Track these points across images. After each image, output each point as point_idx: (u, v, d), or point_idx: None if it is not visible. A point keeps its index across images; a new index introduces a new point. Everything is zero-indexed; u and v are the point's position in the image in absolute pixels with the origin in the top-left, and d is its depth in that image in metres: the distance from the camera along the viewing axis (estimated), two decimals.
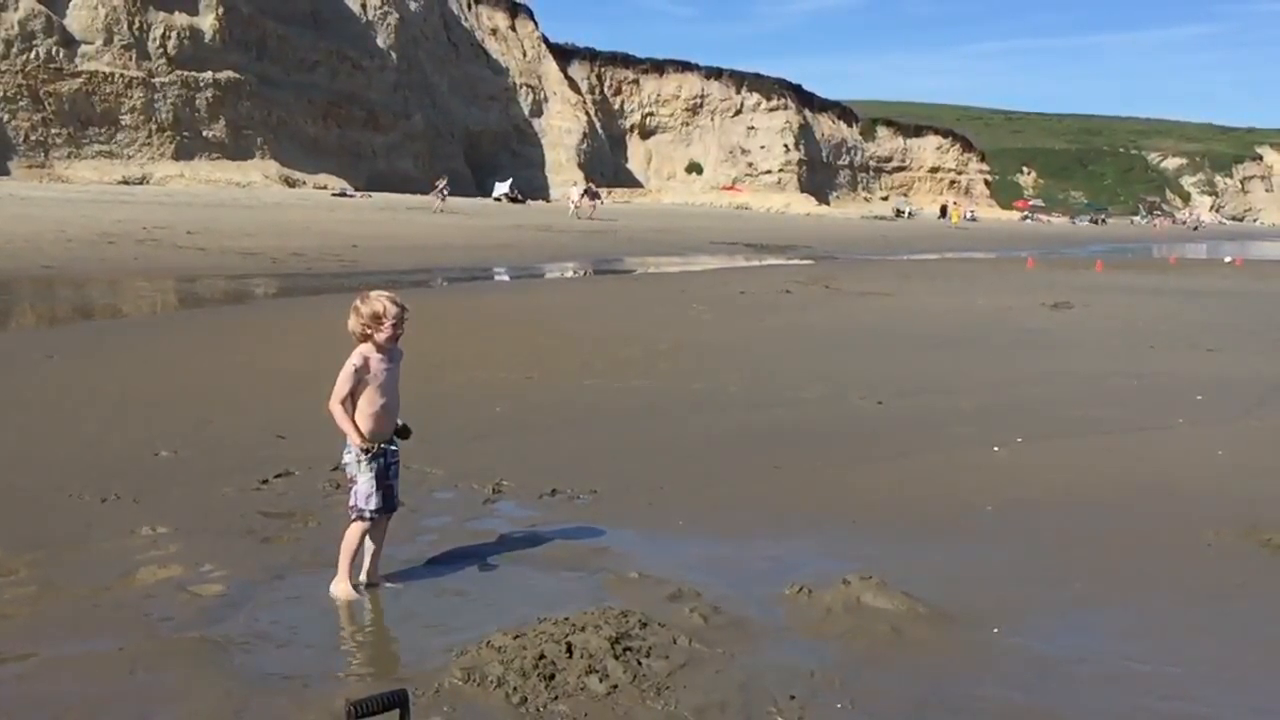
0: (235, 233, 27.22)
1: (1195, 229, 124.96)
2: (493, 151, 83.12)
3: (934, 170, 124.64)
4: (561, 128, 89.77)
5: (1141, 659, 4.07)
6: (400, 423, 4.65)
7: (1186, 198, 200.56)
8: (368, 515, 4.52)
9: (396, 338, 4.54)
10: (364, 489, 4.50)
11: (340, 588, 4.52)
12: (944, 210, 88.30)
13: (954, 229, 73.09)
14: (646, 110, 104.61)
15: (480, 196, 65.08)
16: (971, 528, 5.71)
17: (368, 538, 4.60)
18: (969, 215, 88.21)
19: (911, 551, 5.27)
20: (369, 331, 4.49)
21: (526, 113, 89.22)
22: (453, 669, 3.72)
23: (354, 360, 4.47)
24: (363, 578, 4.62)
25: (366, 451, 4.48)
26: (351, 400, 4.48)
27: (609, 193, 66.41)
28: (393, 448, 4.59)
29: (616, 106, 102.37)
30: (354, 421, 4.48)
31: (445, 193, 47.85)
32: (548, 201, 73.62)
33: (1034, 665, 3.99)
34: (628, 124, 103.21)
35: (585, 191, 52.85)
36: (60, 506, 5.60)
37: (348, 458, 4.56)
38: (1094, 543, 5.46)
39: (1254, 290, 24.14)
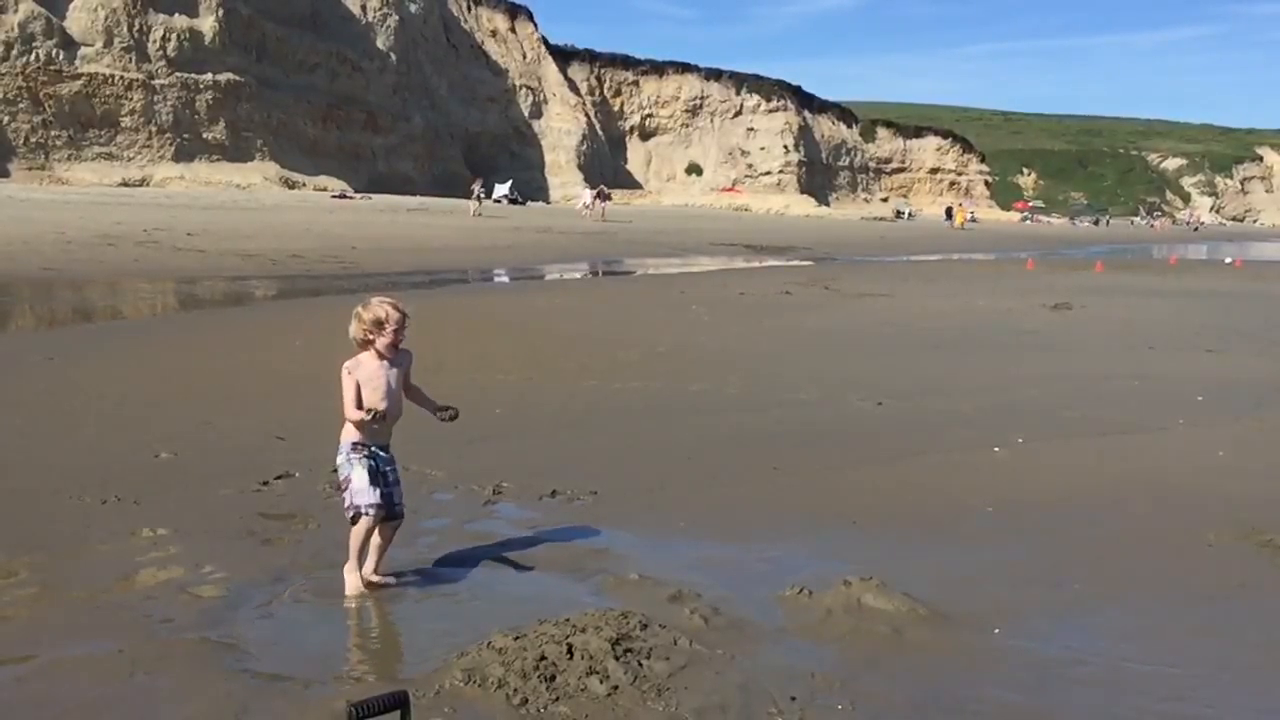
0: (235, 235, 27.22)
1: (1195, 230, 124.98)
2: (492, 153, 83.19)
3: (934, 171, 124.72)
4: (561, 129, 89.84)
5: (1141, 660, 4.07)
6: (450, 409, 4.72)
7: (1186, 198, 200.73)
8: (363, 511, 4.51)
9: (398, 344, 4.57)
10: (357, 484, 4.52)
11: (351, 582, 4.56)
12: (949, 212, 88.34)
13: (957, 230, 73.00)
14: (646, 112, 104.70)
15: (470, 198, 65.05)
16: (971, 529, 5.71)
17: (374, 537, 4.61)
18: (970, 217, 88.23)
19: (911, 553, 5.27)
20: (371, 337, 4.52)
21: (526, 114, 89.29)
22: (453, 670, 3.72)
23: (346, 365, 4.54)
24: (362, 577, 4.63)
25: (355, 448, 4.52)
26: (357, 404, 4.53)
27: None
28: (383, 453, 4.60)
29: (616, 108, 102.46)
30: (353, 423, 4.52)
31: (482, 195, 48.38)
32: (547, 203, 73.75)
33: (1034, 666, 3.99)
34: (627, 125, 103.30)
35: (596, 194, 53.85)
36: (60, 508, 5.60)
37: (339, 459, 4.60)
38: (1094, 544, 5.46)
39: (1254, 291, 24.13)
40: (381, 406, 4.51)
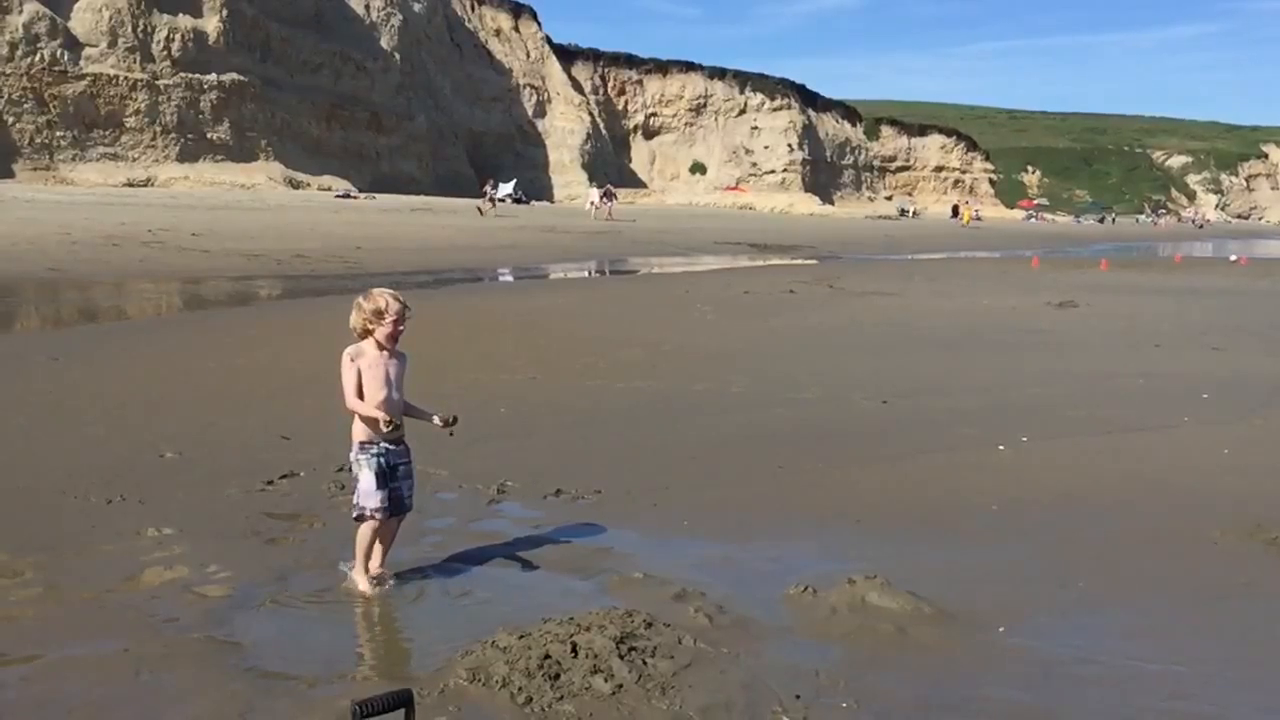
0: (239, 235, 27.25)
1: (1200, 227, 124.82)
2: (496, 153, 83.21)
3: (938, 170, 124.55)
4: (565, 128, 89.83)
5: (1147, 659, 4.06)
6: (445, 417, 4.65)
7: (1192, 196, 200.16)
8: (368, 514, 4.54)
9: (397, 335, 4.58)
10: (364, 486, 4.55)
11: (358, 581, 4.59)
12: (955, 210, 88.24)
13: (963, 228, 73.01)
14: (650, 111, 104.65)
15: (481, 198, 65.19)
16: (976, 527, 5.70)
17: (378, 535, 4.63)
18: (975, 215, 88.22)
19: (916, 551, 5.26)
20: (370, 327, 4.54)
21: (530, 114, 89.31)
22: (458, 669, 3.72)
23: (347, 351, 4.54)
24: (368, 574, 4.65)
25: (364, 447, 4.53)
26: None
27: None
28: (395, 448, 4.60)
29: (620, 107, 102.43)
30: (360, 417, 4.53)
31: (494, 196, 48.94)
32: (551, 202, 73.82)
33: (1039, 665, 3.98)
34: (631, 124, 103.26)
35: (604, 193, 54.46)
36: (65, 508, 5.62)
37: (350, 456, 4.62)
38: (1099, 542, 5.45)
39: (1259, 289, 24.09)
40: (381, 395, 4.51)
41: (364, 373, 4.51)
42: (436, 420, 4.64)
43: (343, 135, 68.19)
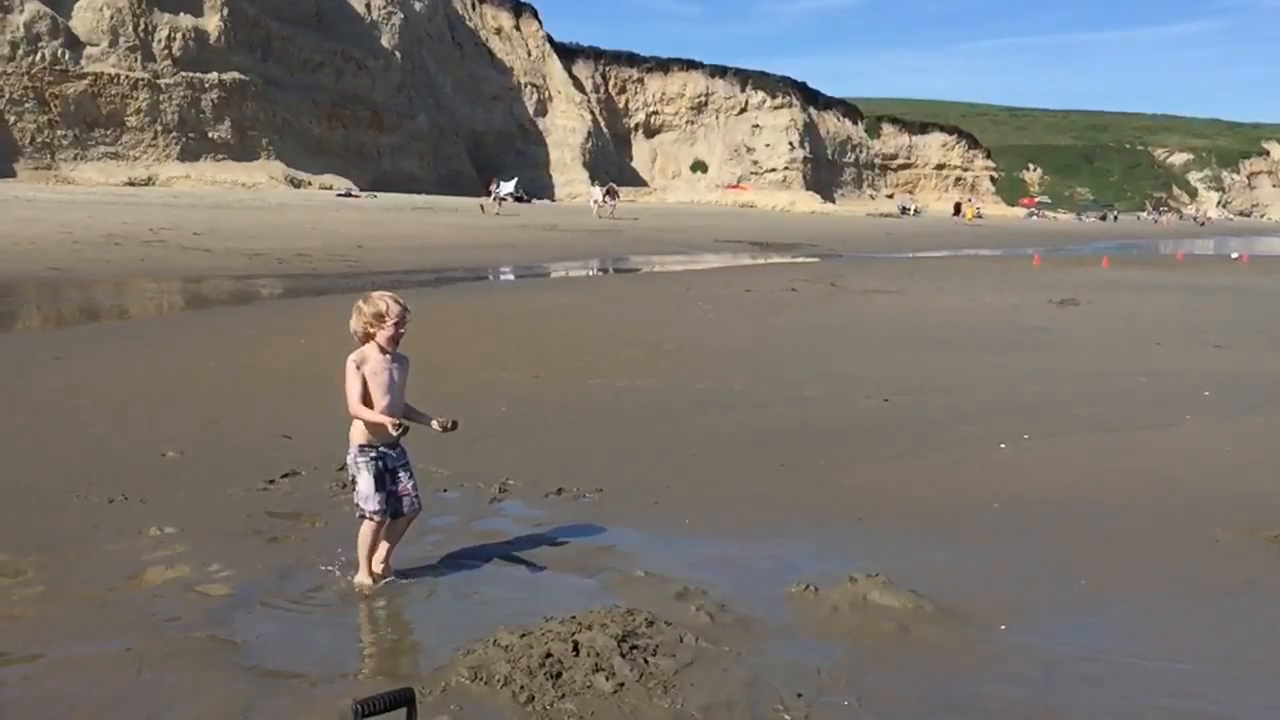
0: (241, 234, 27.27)
1: (1201, 225, 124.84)
2: (497, 151, 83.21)
3: (940, 167, 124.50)
4: (566, 127, 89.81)
5: (1148, 656, 4.06)
6: (445, 421, 4.57)
7: (1193, 193, 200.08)
8: (367, 516, 4.57)
9: (398, 338, 4.58)
10: (363, 489, 4.57)
11: (360, 580, 4.62)
12: (958, 208, 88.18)
13: (966, 225, 73.09)
14: (651, 109, 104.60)
15: (484, 196, 65.22)
16: (978, 526, 5.70)
17: (386, 532, 4.66)
18: (977, 212, 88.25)
19: (918, 550, 5.26)
20: (371, 331, 4.53)
21: (531, 112, 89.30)
22: (459, 668, 3.73)
23: (352, 357, 4.53)
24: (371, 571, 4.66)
25: (363, 450, 4.54)
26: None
27: None
28: (392, 452, 4.61)
29: (621, 105, 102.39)
30: (363, 420, 4.53)
31: (499, 195, 49.45)
32: (552, 201, 73.85)
33: (1041, 663, 3.98)
34: (632, 123, 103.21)
35: (606, 191, 55.31)
36: (67, 507, 5.62)
37: (348, 459, 4.63)
38: (1100, 540, 5.44)
39: (1261, 286, 24.06)
40: (385, 401, 4.52)
41: (369, 379, 4.50)
42: (435, 425, 4.62)
43: (344, 134, 68.21)
